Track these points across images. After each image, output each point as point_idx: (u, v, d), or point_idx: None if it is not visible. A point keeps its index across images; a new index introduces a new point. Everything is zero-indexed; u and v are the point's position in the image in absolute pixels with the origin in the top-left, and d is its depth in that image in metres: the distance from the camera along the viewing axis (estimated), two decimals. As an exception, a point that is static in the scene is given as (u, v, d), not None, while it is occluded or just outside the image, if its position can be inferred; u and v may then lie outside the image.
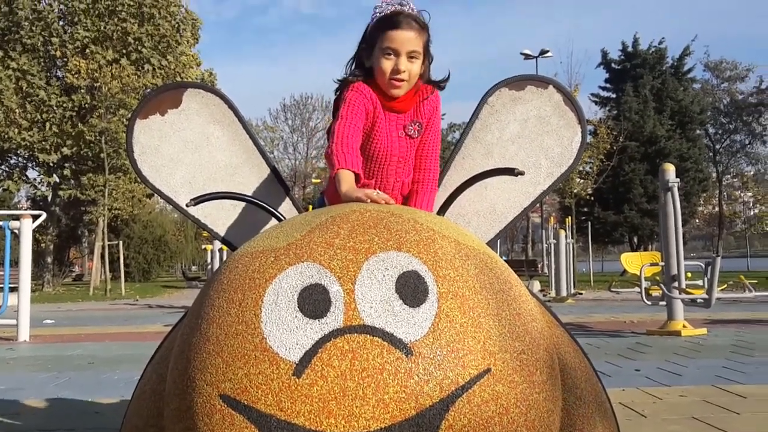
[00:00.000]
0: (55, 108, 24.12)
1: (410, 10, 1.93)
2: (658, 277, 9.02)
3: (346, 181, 1.71)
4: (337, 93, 2.02)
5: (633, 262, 11.64)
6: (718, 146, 39.56)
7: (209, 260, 18.68)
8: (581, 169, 26.89)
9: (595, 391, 1.57)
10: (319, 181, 36.52)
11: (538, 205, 2.49)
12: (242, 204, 2.12)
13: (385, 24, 1.92)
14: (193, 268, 52.23)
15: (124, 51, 24.98)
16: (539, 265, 21.21)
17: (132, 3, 24.69)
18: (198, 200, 1.97)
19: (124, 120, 21.66)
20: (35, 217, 7.86)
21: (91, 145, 24.05)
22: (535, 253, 32.94)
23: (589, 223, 27.17)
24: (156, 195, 2.51)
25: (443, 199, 2.10)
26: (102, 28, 24.66)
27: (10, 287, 8.01)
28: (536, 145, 2.12)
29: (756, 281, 10.68)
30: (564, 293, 13.47)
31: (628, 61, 36.12)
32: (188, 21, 27.32)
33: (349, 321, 1.20)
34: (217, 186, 2.11)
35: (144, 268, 35.75)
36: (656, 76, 35.21)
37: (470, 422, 1.17)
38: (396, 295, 1.24)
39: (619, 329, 7.04)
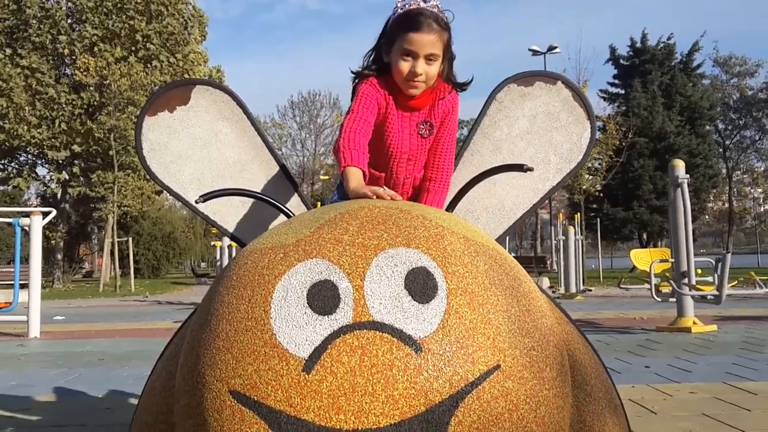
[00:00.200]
0: (64, 105, 24.23)
1: (432, 8, 1.87)
2: (667, 274, 8.99)
3: (354, 178, 1.71)
4: (354, 84, 2.00)
5: (642, 258, 11.60)
6: (727, 142, 39.33)
7: (218, 257, 18.78)
8: (590, 165, 26.78)
9: (605, 388, 1.56)
10: (327, 177, 36.56)
11: (547, 201, 2.49)
12: (251, 200, 2.12)
13: (405, 23, 1.87)
14: (203, 264, 52.38)
15: (132, 48, 25.05)
16: (548, 262, 21.18)
17: (140, 0, 24.75)
18: (207, 197, 1.97)
19: (133, 117, 21.73)
20: (45, 214, 7.90)
21: (100, 142, 24.19)
22: (544, 250, 32.83)
23: (598, 219, 27.15)
24: (165, 192, 2.52)
25: (452, 195, 2.09)
26: (110, 25, 24.74)
27: (20, 284, 8.08)
28: (545, 141, 2.11)
29: (766, 278, 10.62)
30: (573, 290, 13.43)
31: (636, 57, 35.94)
32: (195, 18, 27.38)
33: (359, 317, 1.20)
34: (226, 183, 2.12)
35: (153, 264, 35.94)
36: (665, 71, 35.01)
37: (480, 418, 1.16)
38: (405, 291, 1.23)
39: (629, 326, 7.02)
